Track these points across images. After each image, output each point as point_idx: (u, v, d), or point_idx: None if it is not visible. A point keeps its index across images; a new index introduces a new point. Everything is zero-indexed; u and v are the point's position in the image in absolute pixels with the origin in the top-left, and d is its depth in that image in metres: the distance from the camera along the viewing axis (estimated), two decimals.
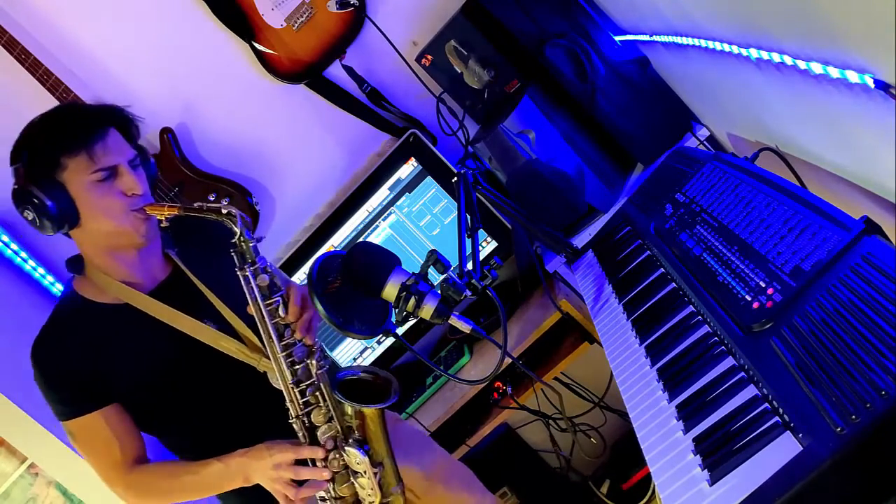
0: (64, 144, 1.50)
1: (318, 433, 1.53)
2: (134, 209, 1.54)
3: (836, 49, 0.99)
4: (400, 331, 2.48)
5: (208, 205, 1.49)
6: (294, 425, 1.54)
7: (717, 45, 1.41)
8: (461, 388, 2.40)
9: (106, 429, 1.57)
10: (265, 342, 1.52)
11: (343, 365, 2.58)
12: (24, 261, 2.40)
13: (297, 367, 1.52)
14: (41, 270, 2.42)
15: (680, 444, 1.10)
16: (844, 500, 0.87)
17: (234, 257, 1.49)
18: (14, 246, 2.39)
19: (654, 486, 1.09)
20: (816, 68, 1.05)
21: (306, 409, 1.53)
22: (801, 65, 1.10)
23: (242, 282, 1.50)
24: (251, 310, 1.51)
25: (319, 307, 1.38)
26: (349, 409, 1.52)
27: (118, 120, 1.58)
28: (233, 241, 1.48)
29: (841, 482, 0.86)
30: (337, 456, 1.53)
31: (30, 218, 1.51)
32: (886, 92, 0.92)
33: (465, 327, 1.37)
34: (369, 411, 1.51)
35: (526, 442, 2.85)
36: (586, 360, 2.43)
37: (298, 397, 1.52)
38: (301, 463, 1.52)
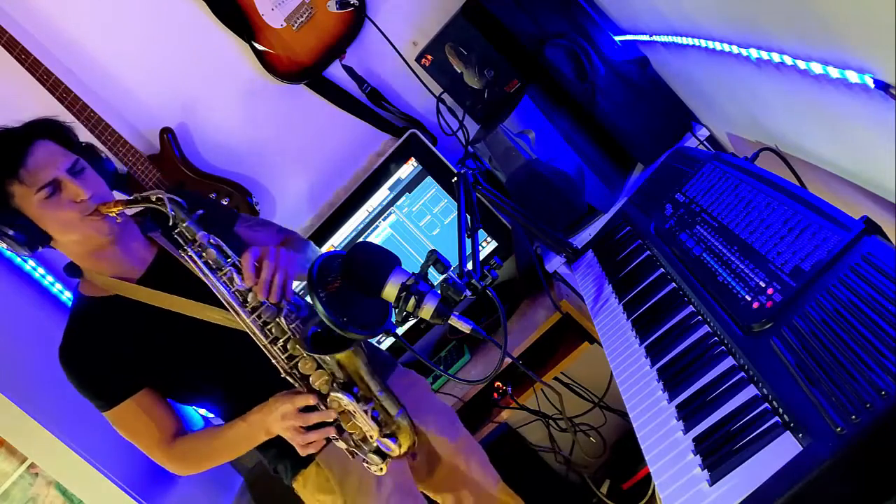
0: (1, 174, 1.52)
1: (311, 381, 1.57)
2: (88, 213, 1.56)
3: (836, 49, 0.99)
4: (400, 331, 2.50)
5: (141, 195, 1.52)
6: (288, 379, 1.58)
7: (717, 45, 1.41)
8: (461, 388, 2.40)
9: (141, 413, 1.64)
10: (231, 311, 1.56)
11: None
12: (24, 261, 2.40)
13: (270, 326, 1.56)
14: (41, 271, 2.42)
15: (680, 444, 1.10)
16: (844, 500, 0.88)
17: (178, 239, 1.53)
18: None
19: (654, 486, 1.09)
20: (816, 68, 1.06)
21: (292, 363, 1.57)
22: (801, 65, 1.10)
23: (188, 262, 1.54)
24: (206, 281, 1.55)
25: (319, 307, 1.38)
26: (327, 358, 1.54)
27: (44, 132, 1.59)
28: (170, 224, 1.52)
29: (841, 482, 0.86)
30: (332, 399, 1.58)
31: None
32: (886, 92, 0.92)
33: (465, 327, 1.37)
34: (342, 356, 1.53)
35: (526, 442, 2.85)
36: (586, 360, 2.43)
37: (280, 354, 1.57)
38: (309, 409, 1.57)
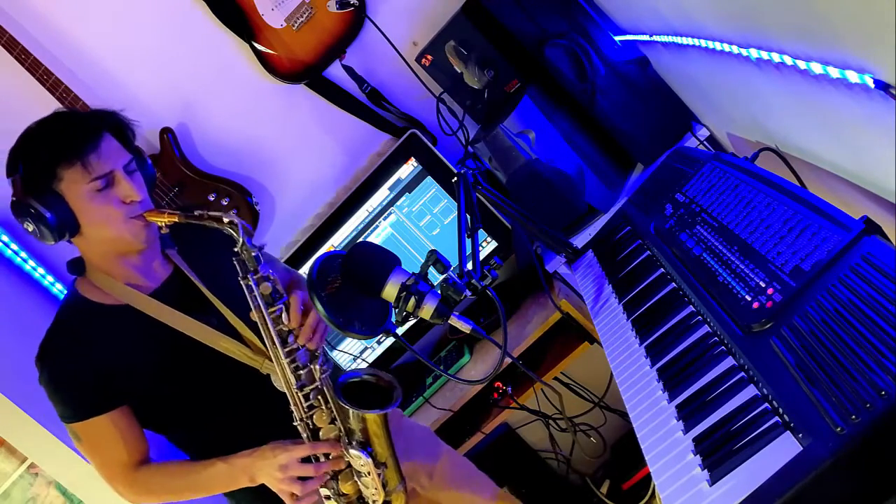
0: (58, 155, 1.49)
1: (321, 434, 1.56)
2: (133, 216, 1.53)
3: (836, 49, 0.99)
4: (400, 331, 2.48)
5: (209, 213, 1.47)
6: (298, 427, 1.56)
7: (717, 45, 1.41)
8: (461, 388, 2.40)
9: (113, 431, 1.58)
10: (269, 348, 1.53)
11: (343, 365, 2.59)
12: (25, 261, 2.40)
13: (301, 371, 1.53)
14: (41, 270, 2.41)
15: (680, 444, 1.10)
16: (844, 500, 0.88)
17: (237, 266, 1.49)
18: (14, 246, 2.39)
19: (654, 486, 1.09)
20: (816, 68, 1.06)
21: (310, 412, 1.55)
22: (801, 65, 1.10)
23: (245, 290, 1.50)
24: (254, 316, 1.52)
25: (319, 307, 1.38)
26: (352, 413, 1.53)
27: (112, 124, 1.56)
28: (235, 249, 1.48)
29: (841, 482, 0.86)
30: (340, 455, 1.56)
31: (30, 229, 1.51)
32: (886, 92, 0.92)
33: (465, 327, 1.37)
34: (371, 416, 1.53)
35: (526, 442, 2.85)
36: (586, 360, 2.43)
37: (302, 400, 1.54)
38: (305, 461, 1.55)
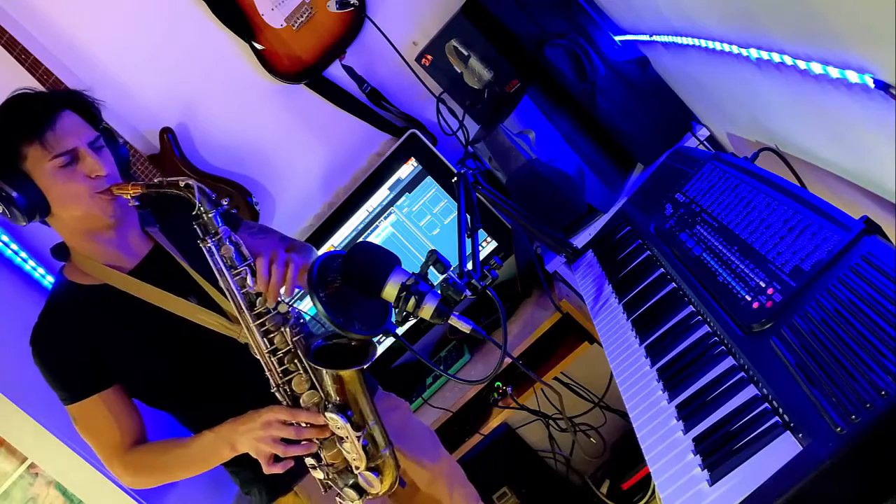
0: (18, 134, 1.49)
1: (301, 401, 1.52)
2: (99, 191, 1.53)
3: (836, 49, 0.99)
4: (400, 331, 2.49)
5: (168, 179, 1.47)
6: (276, 394, 1.53)
7: (717, 45, 1.41)
8: (461, 388, 2.40)
9: (106, 411, 1.59)
10: (237, 313, 1.51)
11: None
12: (25, 261, 2.40)
13: (273, 335, 1.51)
14: (41, 270, 2.41)
15: (680, 444, 1.10)
16: (844, 500, 0.88)
17: (198, 230, 1.48)
18: (14, 246, 2.39)
19: (654, 486, 1.09)
20: (816, 68, 1.06)
21: (286, 378, 1.52)
22: (801, 65, 1.10)
23: (206, 254, 1.48)
24: (222, 282, 1.50)
25: (319, 307, 1.38)
26: (327, 374, 1.50)
27: (72, 103, 1.56)
28: (193, 213, 1.47)
29: (841, 482, 0.86)
30: (324, 423, 1.52)
31: (0, 210, 1.50)
32: (886, 92, 0.92)
33: (465, 327, 1.37)
34: (346, 374, 1.49)
35: (526, 442, 2.85)
36: (586, 360, 2.43)
37: (276, 366, 1.51)
38: (288, 425, 1.53)
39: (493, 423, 2.45)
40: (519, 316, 2.48)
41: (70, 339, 1.58)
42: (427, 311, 1.36)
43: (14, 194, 1.48)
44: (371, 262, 1.41)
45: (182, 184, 1.46)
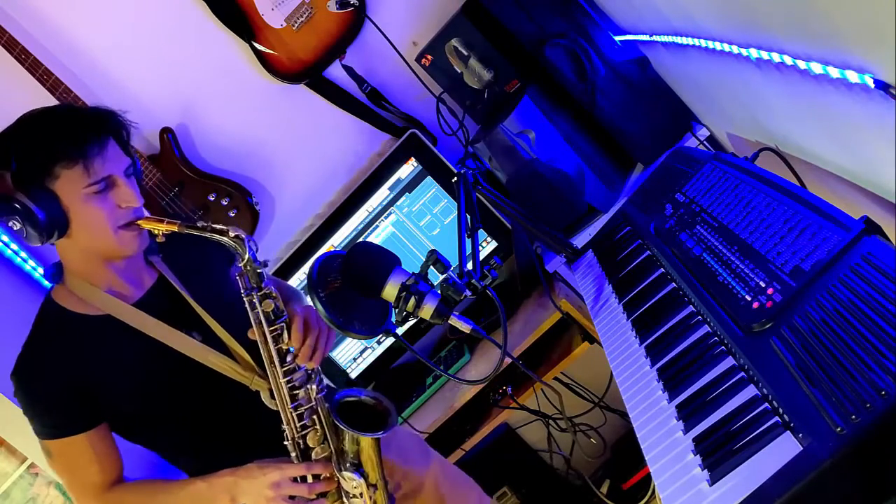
0: (59, 154, 1.41)
1: (313, 454, 1.54)
2: (127, 222, 1.47)
3: (836, 49, 0.99)
4: (400, 331, 2.49)
5: (213, 225, 1.42)
6: (288, 446, 1.53)
7: (717, 45, 1.41)
8: (461, 388, 2.40)
9: (88, 450, 1.51)
10: (266, 366, 1.50)
11: (343, 365, 2.59)
12: (25, 261, 2.40)
13: (298, 391, 1.52)
14: (41, 271, 2.41)
15: (680, 444, 1.10)
16: (844, 500, 0.87)
17: (240, 281, 1.46)
18: (14, 246, 2.39)
19: (654, 486, 1.09)
20: (816, 68, 1.05)
21: (302, 432, 1.53)
22: (801, 65, 1.10)
23: (248, 307, 1.47)
24: (252, 334, 1.49)
25: (319, 307, 1.38)
26: (348, 435, 1.52)
27: (115, 127, 1.50)
28: (240, 265, 1.45)
29: (841, 482, 0.86)
30: (332, 476, 1.55)
31: (16, 228, 1.41)
32: (886, 92, 0.92)
33: (465, 327, 1.37)
34: (368, 440, 1.52)
35: (526, 442, 2.85)
36: (586, 360, 2.43)
37: (296, 420, 1.52)
38: (296, 481, 1.53)
39: (493, 423, 2.45)
40: (519, 316, 2.48)
41: (60, 372, 1.48)
42: (427, 311, 1.36)
43: (39, 213, 1.40)
44: (371, 262, 1.41)
45: (232, 234, 1.41)
